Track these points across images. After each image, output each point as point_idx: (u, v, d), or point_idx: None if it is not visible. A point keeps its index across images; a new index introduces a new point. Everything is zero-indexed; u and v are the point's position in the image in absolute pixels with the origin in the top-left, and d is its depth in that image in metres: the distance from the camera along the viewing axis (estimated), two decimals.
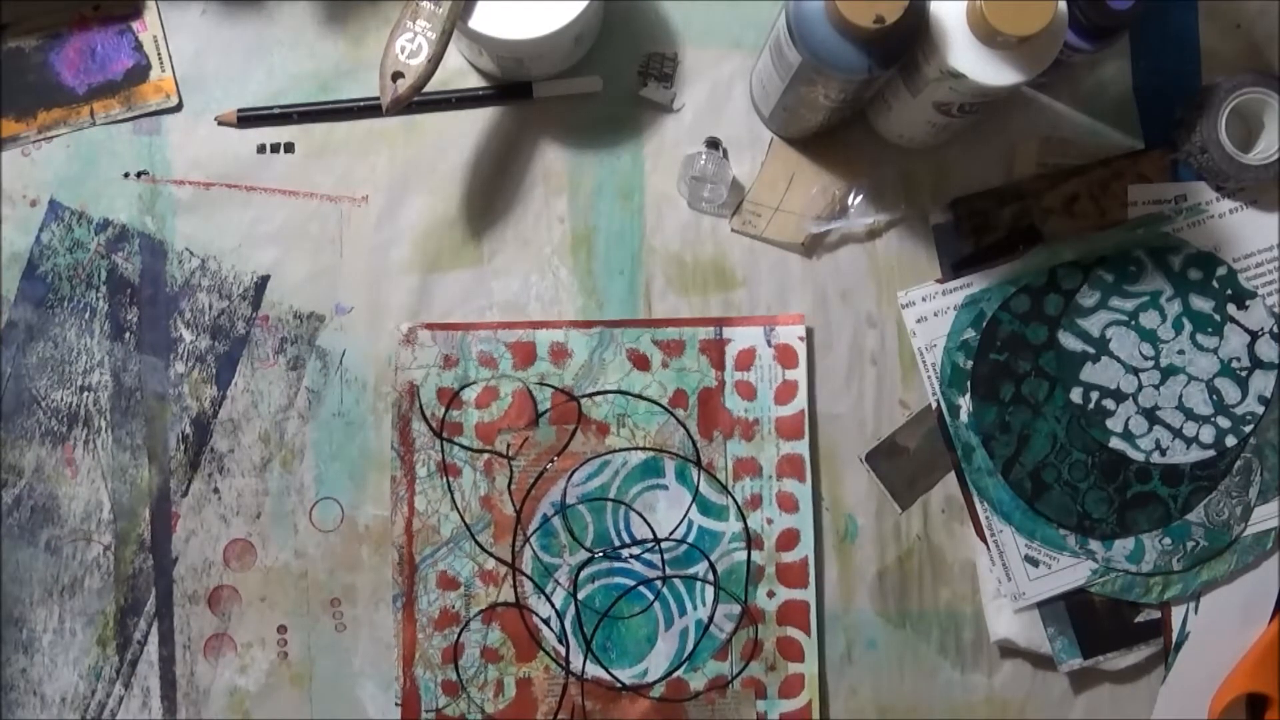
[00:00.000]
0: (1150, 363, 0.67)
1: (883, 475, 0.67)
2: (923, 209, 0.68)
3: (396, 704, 0.65)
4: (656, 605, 0.66)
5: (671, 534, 0.66)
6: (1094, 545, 0.66)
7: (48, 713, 0.65)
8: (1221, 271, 0.67)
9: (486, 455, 0.66)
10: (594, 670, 0.66)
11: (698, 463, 0.66)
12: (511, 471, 0.66)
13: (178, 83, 0.67)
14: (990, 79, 0.56)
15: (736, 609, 0.66)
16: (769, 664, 0.66)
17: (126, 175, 0.66)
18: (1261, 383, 0.67)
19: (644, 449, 0.66)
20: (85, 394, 0.66)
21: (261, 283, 0.66)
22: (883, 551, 0.67)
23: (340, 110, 0.67)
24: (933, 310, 0.67)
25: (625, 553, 0.66)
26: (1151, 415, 0.67)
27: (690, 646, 0.66)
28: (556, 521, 0.66)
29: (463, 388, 0.66)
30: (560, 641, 0.66)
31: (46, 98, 0.66)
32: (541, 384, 0.66)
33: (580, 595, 0.66)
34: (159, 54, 0.67)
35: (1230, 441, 0.67)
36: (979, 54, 0.56)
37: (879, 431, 0.67)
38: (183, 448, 0.66)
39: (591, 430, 0.66)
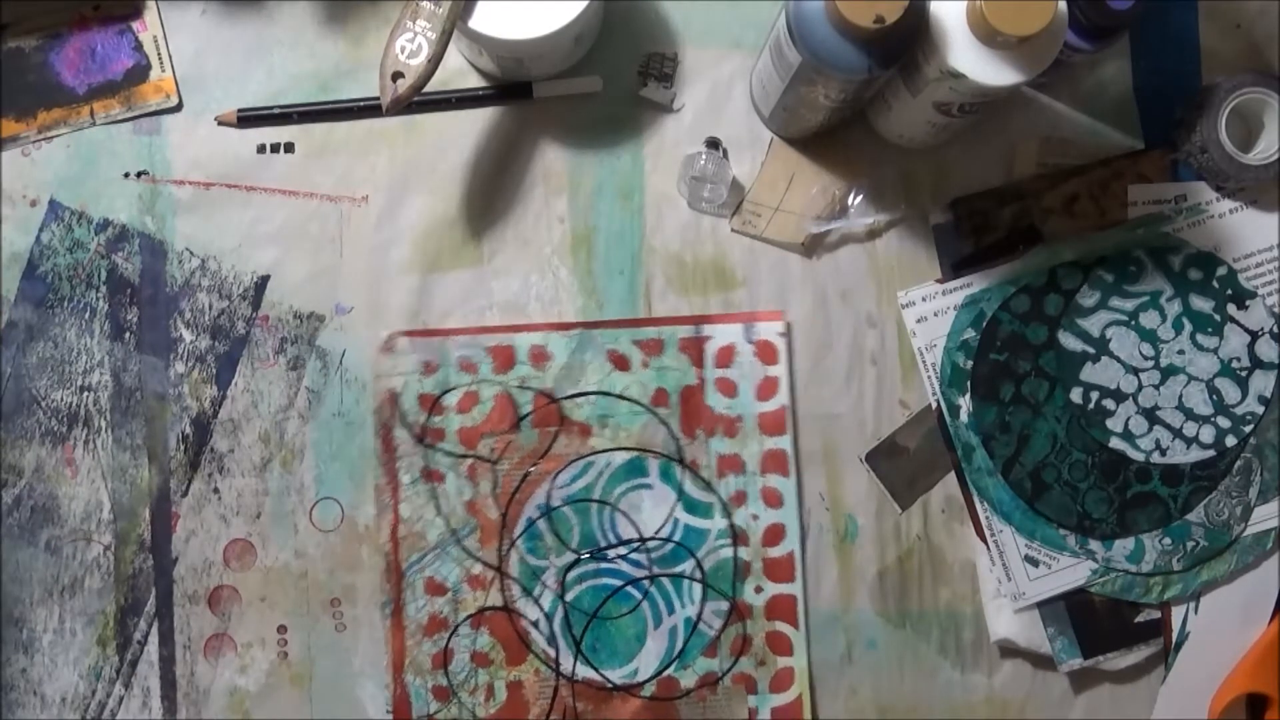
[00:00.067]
0: (1150, 363, 0.67)
1: (883, 475, 0.67)
2: (923, 209, 0.68)
3: (388, 711, 0.65)
4: (645, 604, 0.66)
5: (657, 533, 0.66)
6: (1094, 545, 0.66)
7: (48, 713, 0.65)
8: (1221, 271, 0.67)
9: (470, 460, 0.66)
10: (584, 671, 0.66)
11: (681, 461, 0.66)
12: (495, 476, 0.66)
13: (178, 83, 0.67)
14: (990, 79, 0.56)
15: (724, 605, 0.66)
16: (759, 659, 0.66)
17: (126, 175, 0.67)
18: (1261, 383, 0.67)
19: (627, 449, 0.66)
20: (85, 394, 0.66)
21: (261, 283, 0.66)
22: (883, 551, 0.67)
23: (340, 110, 0.67)
24: (933, 310, 0.67)
25: (612, 553, 0.66)
26: (1151, 415, 0.67)
27: (680, 644, 0.66)
28: (542, 524, 0.66)
29: (444, 393, 0.66)
30: (550, 644, 0.66)
31: (46, 98, 0.66)
32: (522, 387, 0.66)
33: (568, 597, 0.66)
34: (159, 54, 0.67)
35: (1230, 441, 0.67)
36: (979, 54, 0.56)
37: (879, 431, 0.67)
38: (183, 448, 0.66)
39: (574, 432, 0.66)
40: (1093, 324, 0.67)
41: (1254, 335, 0.67)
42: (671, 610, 0.66)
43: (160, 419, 0.66)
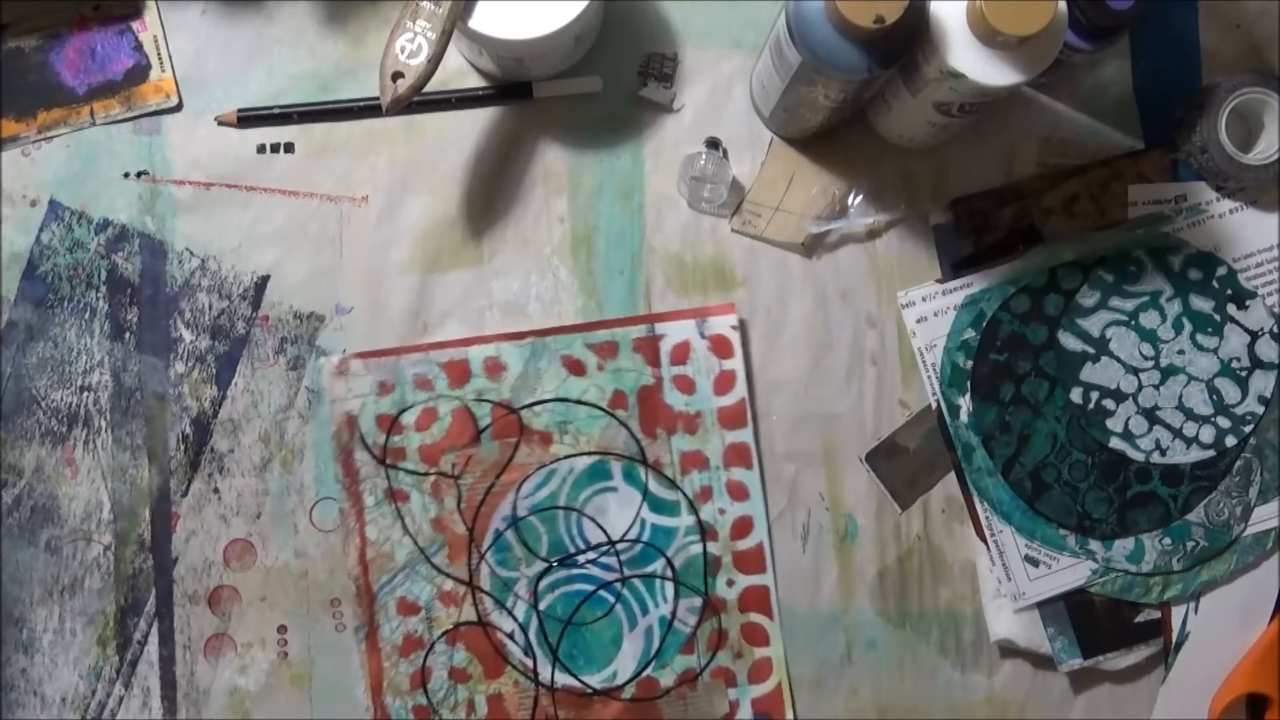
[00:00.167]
0: (1150, 363, 0.67)
1: (883, 475, 0.67)
2: (923, 209, 0.68)
3: None
4: (618, 607, 0.66)
5: (625, 535, 0.66)
6: (1094, 545, 0.66)
7: (48, 713, 0.65)
8: (1221, 271, 0.67)
9: (433, 477, 0.65)
10: (563, 679, 0.66)
11: (644, 461, 0.66)
12: (459, 491, 0.65)
13: (178, 83, 0.67)
14: (990, 79, 0.56)
15: (698, 601, 0.66)
16: (736, 651, 0.66)
17: (126, 175, 0.66)
18: (1261, 383, 0.67)
19: (589, 454, 0.66)
20: (85, 394, 0.66)
21: (261, 283, 0.66)
22: (883, 551, 0.67)
23: (340, 110, 0.67)
24: (933, 310, 0.67)
25: (582, 559, 0.66)
26: (1151, 415, 0.67)
27: (656, 644, 0.66)
28: (510, 535, 0.66)
29: (401, 412, 0.65)
30: (526, 654, 0.65)
31: (46, 98, 0.66)
32: (480, 400, 0.66)
33: (541, 606, 0.66)
34: (159, 54, 0.67)
35: (1230, 441, 0.67)
36: (979, 54, 0.56)
37: (879, 431, 0.67)
38: (183, 448, 0.66)
39: (534, 441, 0.66)
40: (1093, 324, 0.67)
41: (1254, 335, 0.67)
42: (645, 611, 0.66)
43: (160, 419, 0.66)
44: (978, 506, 0.66)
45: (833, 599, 0.67)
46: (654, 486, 0.66)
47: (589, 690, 0.65)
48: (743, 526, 0.66)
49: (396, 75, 0.59)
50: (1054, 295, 0.67)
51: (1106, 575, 0.66)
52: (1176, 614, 0.67)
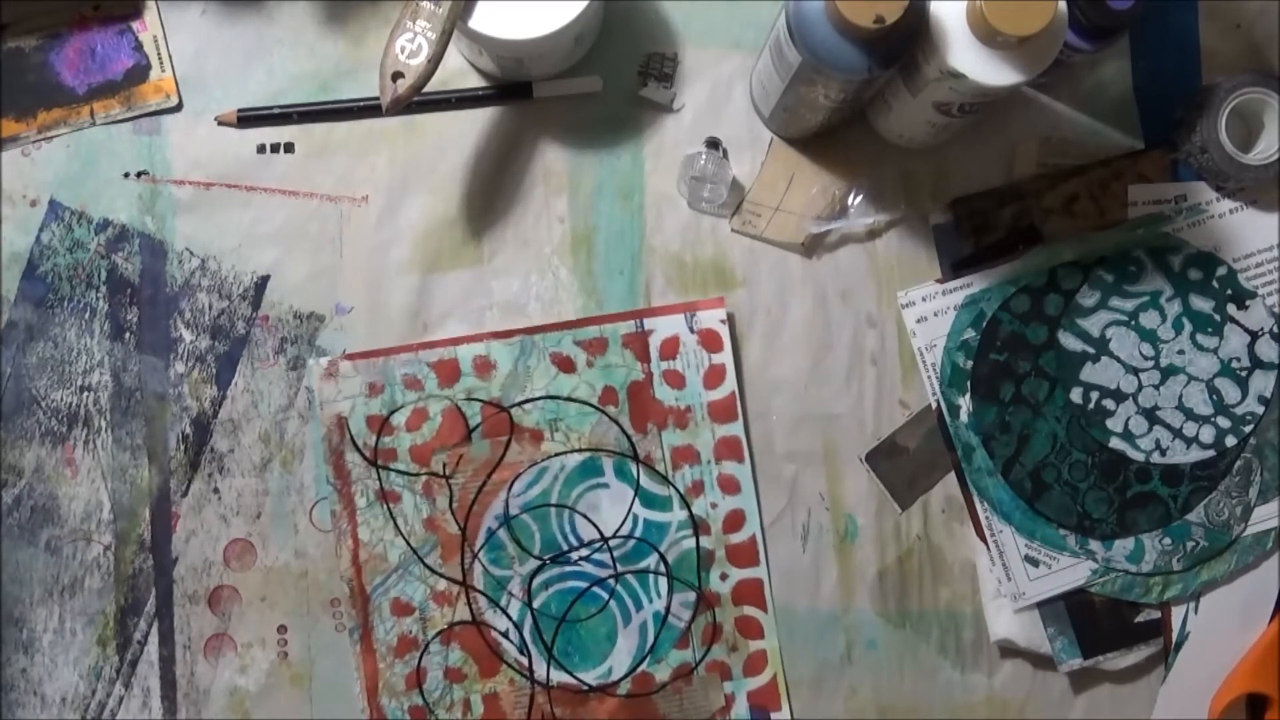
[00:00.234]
0: (1150, 363, 0.67)
1: (883, 475, 0.67)
2: (923, 209, 0.68)
3: None
4: (612, 603, 0.66)
5: (618, 531, 0.66)
6: (1094, 545, 0.66)
7: (48, 713, 0.65)
8: (1221, 271, 0.67)
9: (424, 477, 0.65)
10: (559, 676, 0.66)
11: (635, 457, 0.66)
12: (451, 490, 0.65)
13: (178, 83, 0.67)
14: (990, 79, 0.56)
15: (692, 596, 0.66)
16: (730, 645, 0.66)
17: (126, 175, 0.66)
18: (1261, 383, 0.67)
19: (580, 450, 0.66)
20: (85, 394, 0.66)
21: (261, 283, 0.66)
22: (883, 551, 0.67)
23: (340, 110, 0.67)
24: (933, 310, 0.67)
25: (575, 556, 0.66)
26: (1151, 415, 0.67)
27: (651, 639, 0.66)
28: (502, 534, 0.66)
29: (391, 413, 0.65)
30: (521, 652, 0.65)
31: (46, 98, 0.66)
32: (469, 399, 0.65)
33: (535, 604, 0.66)
34: (159, 54, 0.67)
35: (1230, 441, 0.67)
36: (979, 54, 0.56)
37: (879, 431, 0.67)
38: (183, 448, 0.66)
39: (525, 439, 0.66)
40: (1093, 324, 0.67)
41: (1254, 335, 0.67)
42: (640, 606, 0.66)
43: (160, 419, 0.66)
44: (978, 506, 0.66)
45: (833, 599, 0.67)
46: (646, 482, 0.66)
47: (585, 687, 0.66)
48: (735, 520, 0.66)
49: (396, 75, 0.59)
50: (1054, 295, 0.67)
51: (1106, 575, 0.66)
52: (1176, 614, 0.67)
